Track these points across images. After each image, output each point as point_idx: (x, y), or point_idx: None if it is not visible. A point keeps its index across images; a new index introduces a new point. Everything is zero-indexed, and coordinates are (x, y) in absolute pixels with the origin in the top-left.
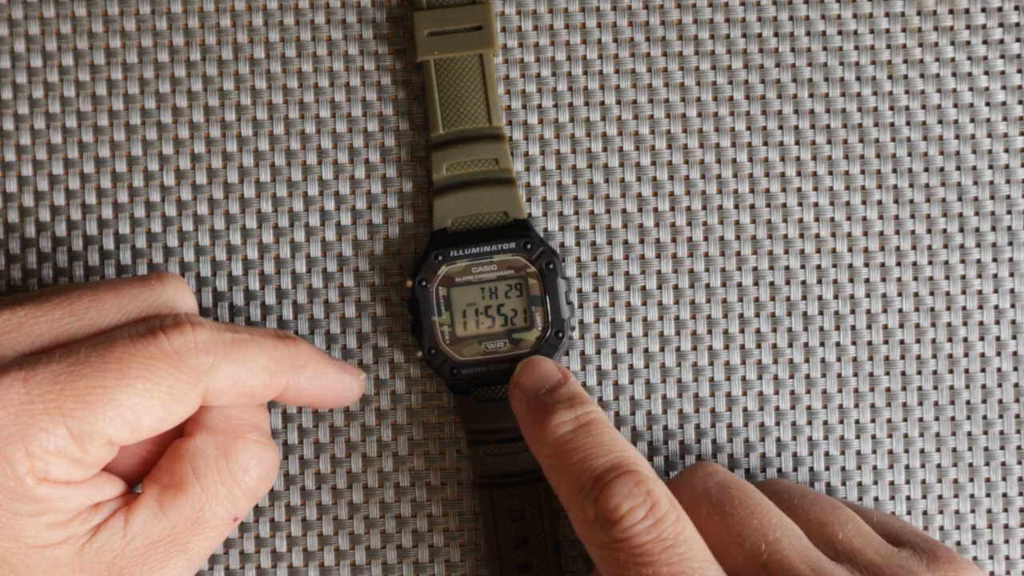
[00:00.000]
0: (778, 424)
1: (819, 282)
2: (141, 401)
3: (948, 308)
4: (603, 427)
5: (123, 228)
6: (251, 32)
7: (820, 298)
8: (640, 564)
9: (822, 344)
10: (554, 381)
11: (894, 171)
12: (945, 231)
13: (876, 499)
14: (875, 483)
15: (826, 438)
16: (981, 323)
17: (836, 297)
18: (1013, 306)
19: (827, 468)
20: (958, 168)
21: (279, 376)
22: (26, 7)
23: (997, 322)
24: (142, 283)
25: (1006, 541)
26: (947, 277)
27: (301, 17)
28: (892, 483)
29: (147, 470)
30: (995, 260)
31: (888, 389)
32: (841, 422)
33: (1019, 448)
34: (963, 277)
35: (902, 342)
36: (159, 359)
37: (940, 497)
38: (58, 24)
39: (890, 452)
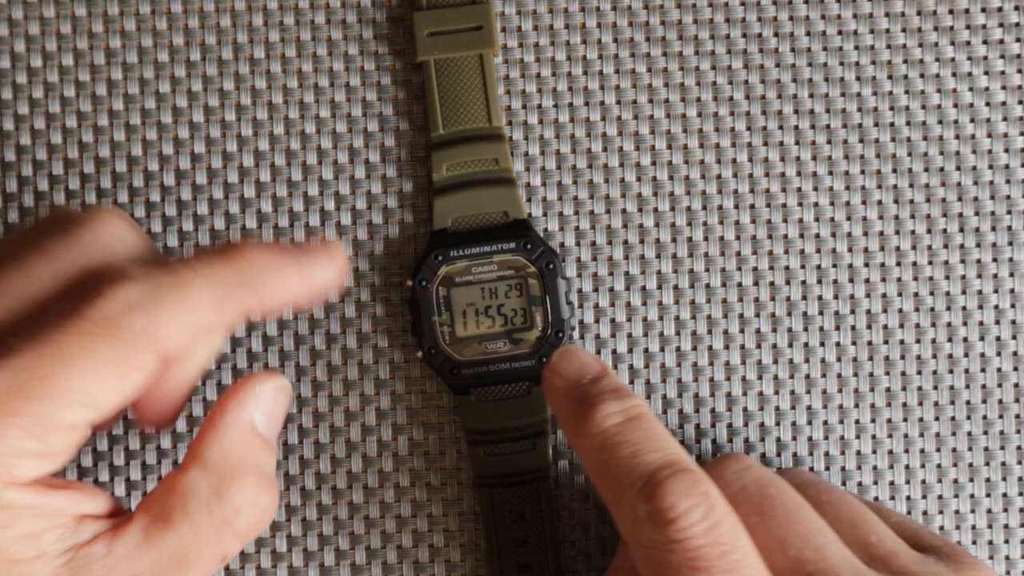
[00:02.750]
0: (778, 424)
1: (819, 282)
2: (88, 380)
3: (948, 308)
4: (652, 422)
5: None
6: (251, 32)
7: (820, 298)
8: (695, 568)
9: (822, 344)
10: (594, 372)
11: (894, 171)
12: (945, 231)
13: (876, 498)
14: (875, 483)
15: (826, 438)
16: (981, 323)
17: (836, 297)
18: (1013, 306)
19: (827, 468)
20: (958, 168)
21: (233, 302)
22: (26, 7)
23: (997, 322)
24: (66, 237)
25: (1006, 541)
26: (947, 277)
27: (301, 17)
28: (892, 483)
29: (182, 407)
30: (995, 260)
31: (888, 389)
32: (841, 422)
33: (1019, 448)
34: (963, 277)
35: (902, 342)
36: (92, 333)
37: (940, 497)
38: (58, 24)
39: (890, 452)
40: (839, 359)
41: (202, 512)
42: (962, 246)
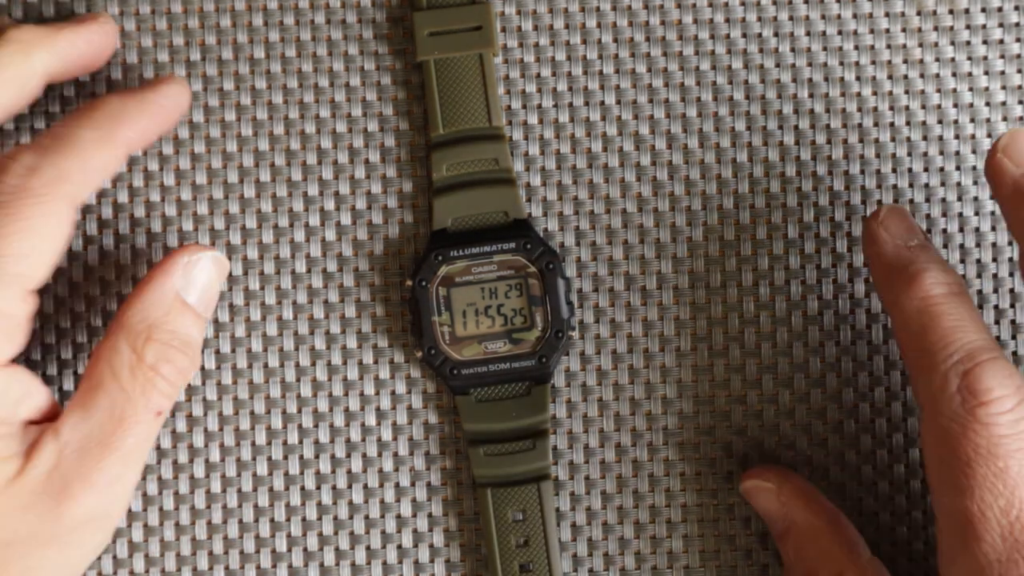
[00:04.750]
0: (778, 424)
1: (819, 282)
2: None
3: None
4: (971, 304)
5: (123, 228)
6: (251, 32)
7: (820, 298)
8: (993, 455)
9: (822, 344)
10: (920, 239)
11: (894, 171)
12: (945, 231)
13: (876, 500)
14: (875, 483)
15: (826, 438)
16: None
17: (836, 297)
18: (1012, 306)
19: (827, 469)
20: (958, 168)
21: (117, 140)
22: (26, 7)
23: (997, 322)
24: None
25: None
26: None
27: (301, 17)
28: (892, 483)
29: None
30: (995, 260)
31: (888, 388)
32: (842, 422)
33: None
34: (963, 276)
35: None
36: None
37: None
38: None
39: (890, 452)
40: (839, 359)
41: (126, 373)
42: (962, 246)
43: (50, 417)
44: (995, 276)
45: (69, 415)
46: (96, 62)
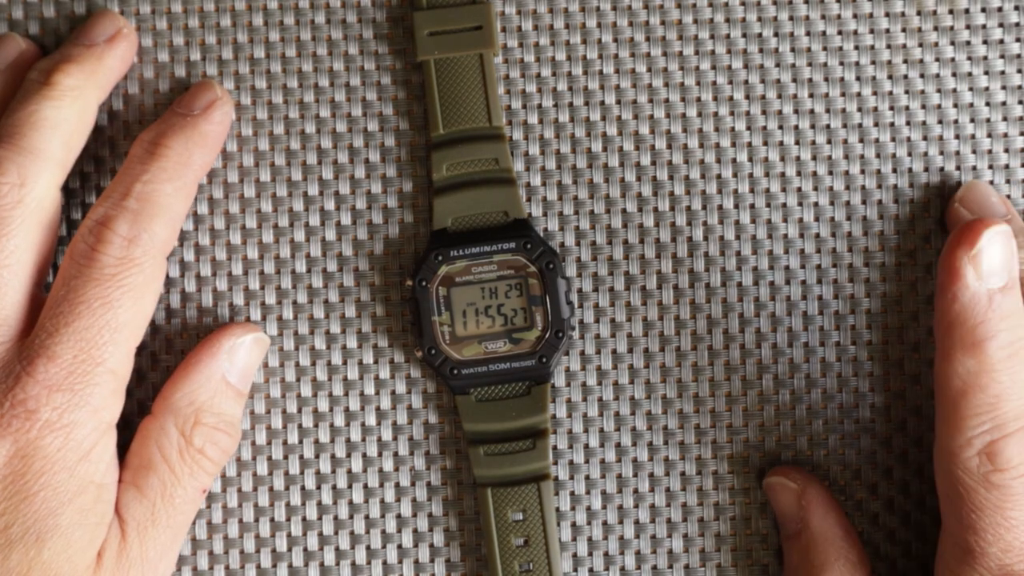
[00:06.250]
0: (778, 424)
1: (819, 282)
2: (136, 310)
3: None
4: (1022, 361)
5: None
6: (251, 32)
7: (820, 298)
8: (1002, 507)
9: (822, 344)
10: (1002, 216)
11: (894, 171)
12: (946, 232)
13: (877, 499)
14: (874, 485)
15: (826, 438)
16: None
17: (836, 297)
18: None
19: (827, 468)
20: (958, 168)
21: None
22: (26, 7)
23: None
24: None
25: None
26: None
27: (301, 17)
28: (892, 484)
29: None
30: None
31: (888, 388)
32: (841, 422)
33: None
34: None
35: (902, 341)
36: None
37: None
38: (58, 23)
39: (890, 452)
40: (839, 359)
41: (175, 456)
42: None
43: None
44: None
45: (125, 493)
46: (125, 71)
